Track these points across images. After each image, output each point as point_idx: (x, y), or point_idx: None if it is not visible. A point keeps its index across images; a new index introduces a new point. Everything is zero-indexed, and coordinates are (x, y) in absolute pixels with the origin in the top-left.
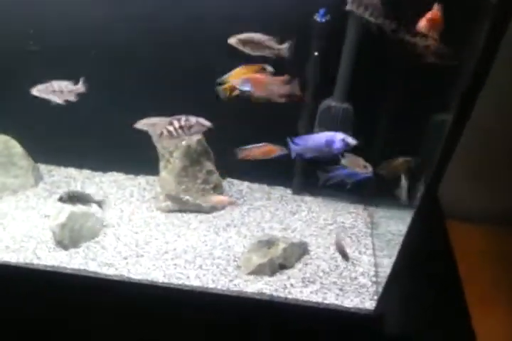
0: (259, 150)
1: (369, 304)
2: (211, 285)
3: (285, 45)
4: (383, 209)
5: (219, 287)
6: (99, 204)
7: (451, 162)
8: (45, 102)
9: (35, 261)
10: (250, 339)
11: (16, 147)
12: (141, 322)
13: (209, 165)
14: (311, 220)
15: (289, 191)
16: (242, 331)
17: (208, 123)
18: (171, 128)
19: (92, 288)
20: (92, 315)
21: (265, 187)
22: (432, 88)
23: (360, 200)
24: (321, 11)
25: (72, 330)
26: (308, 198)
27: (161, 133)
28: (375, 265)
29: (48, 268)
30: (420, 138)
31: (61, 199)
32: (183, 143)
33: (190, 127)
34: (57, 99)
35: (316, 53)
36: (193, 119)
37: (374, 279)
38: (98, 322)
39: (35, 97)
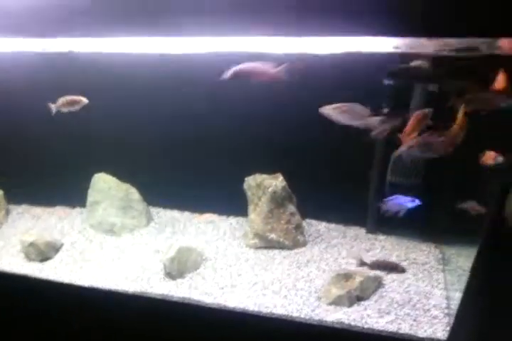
0: None
1: (441, 334)
2: (295, 314)
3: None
4: (454, 246)
5: (302, 316)
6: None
7: None
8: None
9: (149, 290)
10: None
11: (135, 194)
12: None
13: (291, 208)
14: (384, 257)
15: (363, 230)
16: None
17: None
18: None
19: (193, 314)
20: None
21: (341, 227)
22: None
23: (431, 238)
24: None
25: None
26: (381, 237)
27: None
28: (447, 298)
29: (158, 297)
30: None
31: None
32: (270, 189)
33: None
34: None
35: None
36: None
37: (446, 311)
38: None
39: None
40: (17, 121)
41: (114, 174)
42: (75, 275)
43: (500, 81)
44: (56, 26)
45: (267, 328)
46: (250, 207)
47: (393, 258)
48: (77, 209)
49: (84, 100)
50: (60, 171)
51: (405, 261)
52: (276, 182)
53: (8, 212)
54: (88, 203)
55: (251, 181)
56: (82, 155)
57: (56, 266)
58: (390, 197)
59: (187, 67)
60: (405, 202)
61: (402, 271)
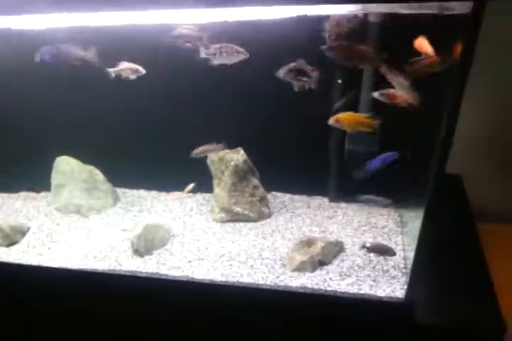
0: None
1: (399, 293)
2: (261, 282)
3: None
4: (412, 209)
5: (268, 283)
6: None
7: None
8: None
9: (118, 268)
10: (295, 328)
11: (99, 175)
12: (203, 317)
13: (255, 181)
14: (346, 223)
15: (326, 199)
16: (287, 320)
17: (245, 53)
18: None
19: (162, 288)
20: (161, 313)
21: (305, 197)
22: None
23: (392, 203)
24: None
25: (147, 322)
26: (343, 205)
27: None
28: (405, 258)
29: (127, 273)
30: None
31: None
32: (232, 163)
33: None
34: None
35: (339, 81)
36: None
37: (404, 271)
38: (167, 318)
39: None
40: None
41: (77, 157)
42: (44, 257)
43: (422, 45)
44: None
45: (234, 297)
46: (215, 182)
47: (355, 224)
48: (42, 194)
49: (142, 70)
50: (22, 156)
51: (365, 225)
52: (237, 156)
53: None
54: (52, 186)
55: (213, 156)
56: (43, 139)
57: (24, 249)
58: (368, 162)
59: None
60: (384, 158)
61: (393, 254)
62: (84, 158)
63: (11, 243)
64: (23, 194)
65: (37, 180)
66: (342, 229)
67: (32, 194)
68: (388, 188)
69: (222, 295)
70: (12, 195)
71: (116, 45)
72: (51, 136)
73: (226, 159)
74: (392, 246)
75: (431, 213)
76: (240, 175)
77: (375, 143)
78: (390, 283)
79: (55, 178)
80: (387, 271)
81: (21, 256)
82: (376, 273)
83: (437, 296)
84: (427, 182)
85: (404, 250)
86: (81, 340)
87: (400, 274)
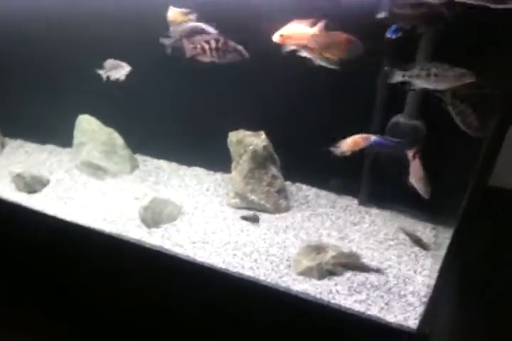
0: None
1: (412, 323)
2: (262, 278)
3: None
4: (451, 229)
5: (268, 280)
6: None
7: None
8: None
9: (124, 233)
10: (283, 332)
11: (118, 139)
12: (196, 299)
13: (274, 170)
14: (371, 233)
15: (355, 201)
16: (277, 323)
17: (246, 54)
18: (206, 46)
19: (161, 262)
20: (154, 286)
21: (332, 195)
22: None
23: (431, 218)
24: (393, 26)
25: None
26: (374, 211)
27: (195, 48)
28: (428, 286)
29: (132, 241)
30: None
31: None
32: (251, 147)
33: (225, 52)
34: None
35: (386, 68)
36: (231, 44)
37: (424, 300)
38: (159, 293)
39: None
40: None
41: (101, 119)
42: (59, 210)
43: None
44: None
45: (232, 286)
46: (232, 165)
47: (381, 236)
48: (68, 150)
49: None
50: (54, 111)
51: (393, 240)
52: (257, 140)
53: (3, 145)
54: (74, 145)
55: (232, 137)
56: (75, 96)
57: (42, 199)
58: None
59: None
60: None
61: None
62: (109, 119)
63: (32, 191)
64: (49, 146)
65: (65, 134)
66: (364, 240)
67: (58, 148)
68: (428, 201)
69: (219, 282)
70: (40, 147)
71: None
72: (83, 94)
73: (245, 142)
74: (418, 269)
75: (463, 234)
76: (259, 162)
77: (418, 143)
78: (404, 310)
79: (77, 136)
80: (405, 296)
81: (39, 205)
82: (391, 296)
83: (453, 333)
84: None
85: (429, 276)
86: (73, 289)
87: (418, 303)
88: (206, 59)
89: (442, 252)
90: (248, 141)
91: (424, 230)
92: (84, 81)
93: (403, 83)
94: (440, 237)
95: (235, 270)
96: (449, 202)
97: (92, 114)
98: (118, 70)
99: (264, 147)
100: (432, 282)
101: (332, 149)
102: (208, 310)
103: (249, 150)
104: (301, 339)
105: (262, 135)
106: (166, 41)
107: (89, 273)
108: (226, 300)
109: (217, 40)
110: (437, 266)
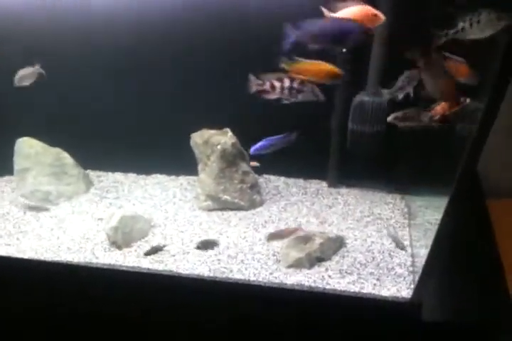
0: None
1: (406, 293)
2: (252, 278)
3: None
4: (421, 197)
5: (260, 279)
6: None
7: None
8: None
9: (94, 260)
10: (291, 329)
11: (67, 158)
12: (190, 313)
13: (244, 166)
14: (348, 213)
15: (324, 184)
16: (282, 320)
17: (322, 97)
18: (277, 84)
19: (145, 282)
20: (146, 308)
21: (301, 181)
22: None
23: (398, 189)
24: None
25: (129, 319)
26: (344, 190)
27: (261, 85)
28: (412, 255)
29: (105, 266)
30: None
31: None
32: (219, 147)
33: (300, 91)
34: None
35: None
36: (308, 85)
37: (411, 269)
38: (153, 314)
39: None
40: None
41: (43, 140)
42: (13, 248)
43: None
44: None
45: (224, 293)
46: (199, 167)
47: (357, 214)
48: (6, 178)
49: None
50: None
51: (369, 216)
52: (225, 138)
53: None
54: (15, 172)
55: (197, 138)
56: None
57: None
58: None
59: None
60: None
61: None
62: (51, 139)
63: None
64: None
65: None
66: (343, 220)
67: None
68: (393, 173)
69: (210, 292)
70: None
71: None
72: (16, 115)
73: (212, 142)
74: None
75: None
76: (229, 160)
77: (381, 123)
78: (395, 282)
79: (18, 162)
80: (393, 268)
81: None
82: (380, 271)
83: (446, 295)
84: (449, 172)
85: (412, 246)
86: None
87: (406, 273)
88: (273, 96)
89: (418, 221)
90: (215, 140)
91: (395, 201)
92: (17, 102)
93: None
94: (412, 206)
95: (223, 276)
96: (412, 170)
97: (31, 135)
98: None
99: (233, 144)
100: (415, 251)
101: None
102: (204, 324)
103: (217, 150)
104: (304, 330)
105: (229, 132)
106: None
107: (63, 313)
108: (221, 309)
109: (291, 79)
110: (416, 234)
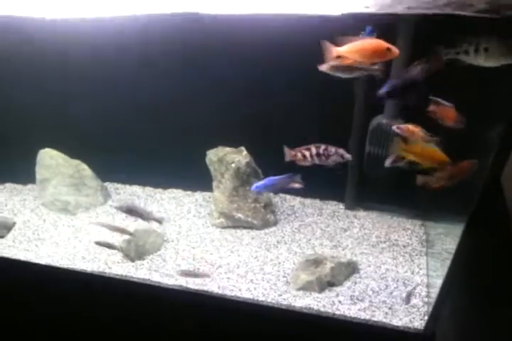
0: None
1: (418, 324)
2: (261, 298)
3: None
4: (442, 224)
5: (269, 300)
6: (159, 221)
7: None
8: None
9: (107, 270)
10: None
11: (86, 170)
12: (196, 329)
13: None
14: (363, 237)
15: (341, 206)
16: None
17: (348, 156)
18: (307, 153)
19: (154, 295)
20: (154, 320)
21: (318, 202)
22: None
23: (417, 215)
24: (368, 28)
25: (135, 329)
26: (361, 213)
27: (295, 155)
28: (428, 285)
29: (118, 277)
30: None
31: (119, 208)
32: (233, 165)
33: (328, 156)
34: None
35: None
36: (332, 149)
37: (426, 300)
38: (160, 326)
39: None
40: None
41: (65, 151)
42: (31, 254)
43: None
44: None
45: (231, 311)
46: (214, 184)
47: (373, 239)
48: (29, 186)
49: None
50: (7, 147)
51: (385, 242)
52: (239, 157)
53: None
54: (37, 181)
55: (212, 155)
56: (28, 131)
57: (10, 244)
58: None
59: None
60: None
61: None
62: (72, 151)
63: None
64: (8, 185)
65: (23, 171)
66: (357, 245)
67: (18, 186)
68: (415, 198)
69: (217, 309)
70: None
71: None
72: (38, 127)
73: (226, 160)
74: (415, 269)
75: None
76: (243, 179)
77: None
78: (408, 312)
79: (40, 172)
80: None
81: (8, 251)
82: (393, 299)
83: (460, 328)
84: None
85: (428, 275)
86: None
87: (420, 303)
88: (306, 164)
89: (436, 249)
90: (230, 159)
91: (414, 228)
92: (41, 114)
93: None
94: (431, 234)
95: (232, 294)
96: (435, 198)
97: (53, 147)
98: None
99: (247, 163)
100: (431, 281)
101: None
102: (212, 339)
103: (231, 168)
104: None
105: (244, 151)
106: None
107: (74, 319)
108: (228, 326)
109: (317, 147)
110: (433, 264)
